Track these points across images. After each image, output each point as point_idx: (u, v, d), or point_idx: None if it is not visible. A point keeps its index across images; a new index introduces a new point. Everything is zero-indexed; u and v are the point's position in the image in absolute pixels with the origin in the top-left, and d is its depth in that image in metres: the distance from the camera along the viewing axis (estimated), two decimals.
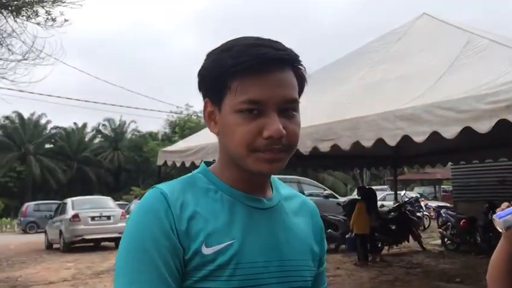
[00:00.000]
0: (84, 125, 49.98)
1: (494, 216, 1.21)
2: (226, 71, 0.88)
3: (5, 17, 11.47)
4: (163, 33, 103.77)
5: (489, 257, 1.33)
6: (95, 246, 14.60)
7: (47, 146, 47.76)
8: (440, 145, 8.08)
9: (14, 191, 41.56)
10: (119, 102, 63.84)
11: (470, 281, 7.22)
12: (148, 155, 40.26)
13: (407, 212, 11.04)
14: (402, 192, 17.74)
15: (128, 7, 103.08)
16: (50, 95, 29.35)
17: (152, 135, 49.42)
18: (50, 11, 11.48)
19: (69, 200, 15.49)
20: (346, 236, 10.49)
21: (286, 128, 0.88)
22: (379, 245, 10.28)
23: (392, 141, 4.54)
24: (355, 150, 5.50)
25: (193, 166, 6.67)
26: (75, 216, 14.14)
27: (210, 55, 0.93)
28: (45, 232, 16.55)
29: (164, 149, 9.10)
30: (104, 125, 50.26)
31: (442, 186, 31.83)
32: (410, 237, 10.93)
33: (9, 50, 11.76)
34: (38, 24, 11.61)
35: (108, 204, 15.80)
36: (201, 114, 0.99)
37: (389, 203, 14.23)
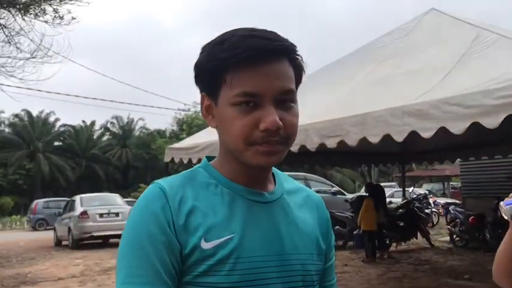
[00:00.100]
0: (93, 123, 50.30)
1: (501, 203, 1.20)
2: (220, 64, 0.87)
3: (13, 15, 11.55)
4: (171, 30, 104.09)
5: None
6: (103, 243, 14.69)
7: (56, 143, 48.07)
8: (449, 141, 8.03)
9: (24, 188, 41.89)
10: (126, 100, 64.26)
11: (479, 277, 7.17)
12: (156, 152, 40.36)
13: (415, 208, 11.00)
14: (410, 189, 17.66)
15: (136, 4, 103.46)
16: (58, 93, 29.54)
17: (160, 133, 49.58)
18: (57, 9, 11.57)
19: (77, 197, 15.62)
20: (354, 232, 10.46)
21: (283, 120, 0.87)
22: (387, 242, 10.26)
23: (399, 137, 4.51)
24: (362, 147, 5.47)
25: None
26: (84, 213, 14.25)
27: (205, 48, 0.91)
28: (54, 229, 16.71)
29: (171, 146, 9.13)
30: (112, 122, 50.58)
31: (450, 183, 31.67)
32: (419, 234, 10.89)
33: (17, 48, 11.87)
34: (46, 22, 11.70)
35: (116, 201, 15.90)
36: None
37: (398, 200, 14.17)
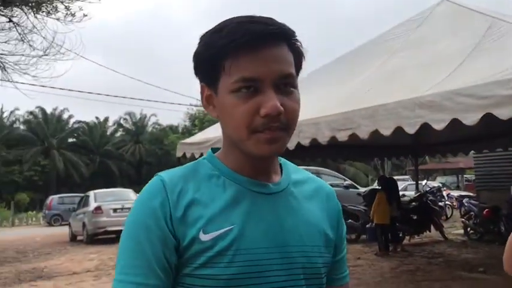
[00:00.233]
0: (106, 119, 50.60)
1: None
2: (218, 52, 0.86)
3: (25, 13, 11.66)
4: (183, 25, 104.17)
5: None
6: (118, 237, 14.73)
7: (70, 140, 48.48)
8: (462, 133, 7.94)
9: (39, 184, 42.36)
10: (139, 96, 64.46)
11: (493, 270, 7.09)
12: (169, 147, 40.58)
13: (429, 201, 10.92)
14: (424, 182, 17.52)
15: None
16: (71, 90, 29.81)
17: (172, 128, 49.77)
18: (69, 6, 11.66)
19: (91, 193, 15.76)
20: (367, 226, 10.42)
21: (284, 105, 0.85)
22: (400, 235, 10.20)
23: (411, 129, 4.46)
24: (374, 140, 5.44)
25: None
26: (98, 208, 14.37)
27: (203, 38, 0.90)
28: (69, 224, 16.89)
29: (183, 141, 9.16)
30: (125, 118, 50.84)
31: (464, 176, 31.36)
32: (432, 227, 10.81)
33: (30, 46, 11.98)
34: (58, 19, 11.80)
35: (129, 196, 15.98)
36: None
37: (411, 193, 14.07)
